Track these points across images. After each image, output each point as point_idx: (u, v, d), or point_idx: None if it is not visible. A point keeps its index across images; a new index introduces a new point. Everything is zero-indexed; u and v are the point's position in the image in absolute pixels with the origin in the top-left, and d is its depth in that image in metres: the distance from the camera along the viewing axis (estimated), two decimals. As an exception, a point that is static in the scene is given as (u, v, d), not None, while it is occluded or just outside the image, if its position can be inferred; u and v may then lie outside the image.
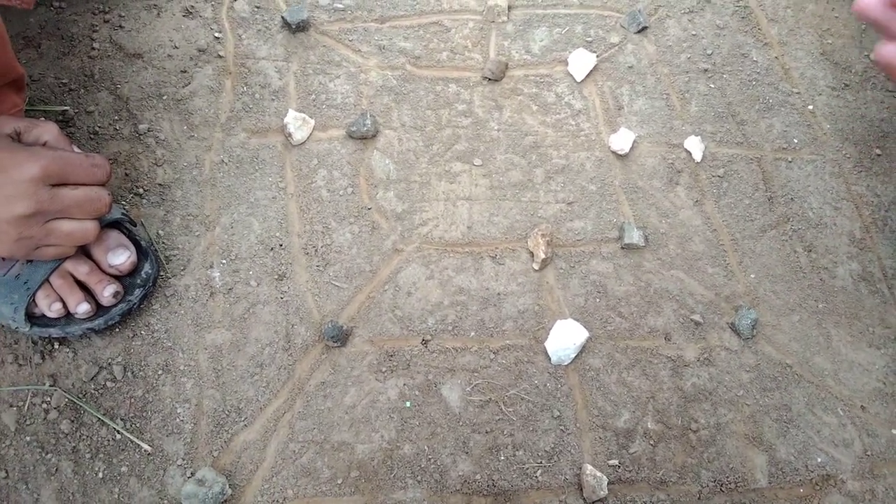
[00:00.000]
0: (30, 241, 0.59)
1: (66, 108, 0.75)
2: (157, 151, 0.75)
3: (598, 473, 0.65)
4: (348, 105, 0.80)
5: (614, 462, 0.67)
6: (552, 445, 0.67)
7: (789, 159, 0.82)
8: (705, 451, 0.68)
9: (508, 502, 0.65)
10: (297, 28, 0.82)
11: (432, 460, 0.66)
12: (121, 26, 0.80)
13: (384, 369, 0.69)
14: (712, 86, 0.85)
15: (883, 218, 0.80)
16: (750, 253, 0.77)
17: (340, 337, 0.69)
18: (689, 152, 0.81)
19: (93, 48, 0.78)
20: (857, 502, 0.67)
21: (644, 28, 0.87)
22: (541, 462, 0.66)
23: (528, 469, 0.66)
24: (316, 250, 0.73)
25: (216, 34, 0.81)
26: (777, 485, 0.67)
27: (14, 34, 0.77)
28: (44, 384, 0.66)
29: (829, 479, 0.68)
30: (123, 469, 0.64)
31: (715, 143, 0.82)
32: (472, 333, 0.71)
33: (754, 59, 0.87)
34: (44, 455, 0.64)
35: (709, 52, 0.87)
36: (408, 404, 0.68)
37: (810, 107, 0.85)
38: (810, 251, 0.77)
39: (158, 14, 0.81)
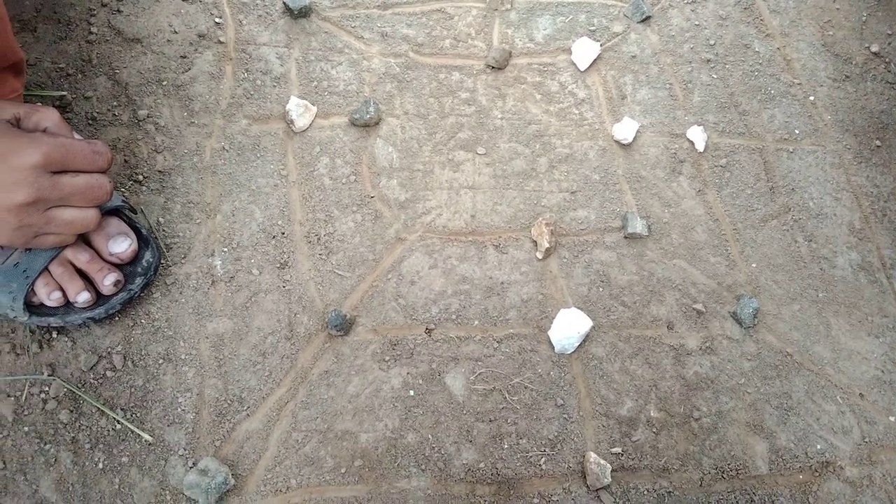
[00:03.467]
0: (29, 230, 0.58)
1: (63, 93, 0.74)
2: (156, 138, 0.74)
3: (602, 461, 0.65)
4: (351, 92, 0.79)
5: (617, 450, 0.67)
6: (556, 434, 0.67)
7: (791, 150, 0.82)
8: (707, 438, 0.68)
9: (512, 490, 0.65)
10: (299, 14, 0.81)
11: (436, 449, 0.66)
12: (119, 10, 0.78)
13: (388, 358, 0.69)
14: (715, 76, 0.85)
15: (882, 209, 0.81)
16: (751, 242, 0.77)
17: (344, 326, 0.68)
18: (691, 142, 0.81)
19: (90, 32, 0.77)
20: (856, 488, 0.68)
21: (647, 17, 0.86)
22: (544, 450, 0.66)
23: (531, 457, 0.66)
24: (318, 238, 0.73)
25: (216, 19, 0.80)
26: (777, 471, 0.68)
27: (9, 17, 0.75)
28: (42, 374, 0.65)
29: (828, 466, 0.69)
30: (124, 459, 0.63)
31: (717, 133, 0.82)
32: (476, 322, 0.71)
33: (756, 49, 0.87)
34: (42, 446, 0.63)
35: (711, 42, 0.87)
36: (411, 393, 0.68)
37: (811, 98, 0.85)
38: (811, 241, 0.78)
39: (156, -2, 0.80)
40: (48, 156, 0.56)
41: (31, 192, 0.56)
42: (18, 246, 0.61)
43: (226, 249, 0.71)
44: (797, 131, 0.83)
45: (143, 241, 0.68)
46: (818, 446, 0.69)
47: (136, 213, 0.70)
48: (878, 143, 0.84)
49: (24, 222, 0.57)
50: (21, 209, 0.57)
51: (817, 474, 0.68)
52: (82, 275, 0.65)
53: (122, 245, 0.66)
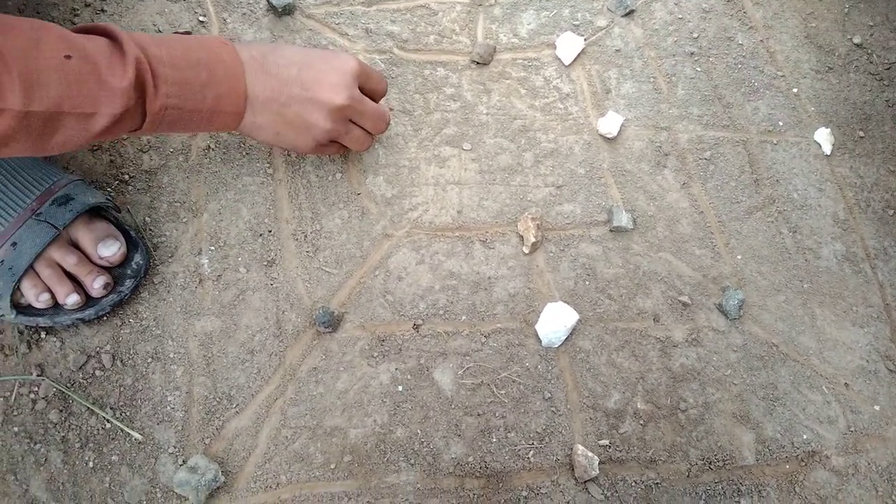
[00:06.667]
0: (330, 135, 0.66)
1: (47, 93, 0.74)
2: (142, 137, 0.74)
3: (590, 453, 0.66)
4: (336, 90, 0.79)
5: (605, 442, 0.67)
6: (543, 427, 0.68)
7: (775, 142, 0.83)
8: (694, 430, 0.69)
9: (501, 483, 0.65)
10: (283, 11, 0.81)
11: (425, 443, 0.66)
12: (103, 10, 0.78)
13: (376, 354, 0.69)
14: (699, 69, 0.85)
15: (866, 199, 0.81)
16: (736, 234, 0.78)
17: (332, 322, 0.68)
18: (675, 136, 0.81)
19: (74, 32, 0.77)
20: (841, 477, 0.69)
21: (631, 11, 0.87)
22: (532, 443, 0.67)
23: (520, 450, 0.67)
24: (305, 236, 0.73)
25: (201, 18, 0.80)
26: (764, 462, 0.68)
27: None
28: (31, 374, 0.65)
29: (814, 455, 0.69)
30: (114, 458, 0.64)
31: (702, 126, 0.82)
32: (464, 317, 0.71)
33: (740, 42, 0.87)
34: (32, 446, 0.63)
35: (695, 35, 0.87)
36: (400, 388, 0.68)
37: (795, 90, 0.86)
38: (795, 232, 0.78)
39: (140, -3, 0.80)
40: (361, 64, 0.65)
41: (347, 96, 0.63)
42: (307, 151, 0.68)
43: (213, 248, 0.71)
44: (781, 123, 0.84)
45: (132, 243, 0.68)
46: (804, 436, 0.70)
47: (119, 213, 0.70)
48: (861, 133, 0.84)
49: (332, 126, 0.65)
50: (335, 112, 0.64)
51: (803, 464, 0.69)
52: (71, 277, 0.65)
53: (111, 248, 0.66)
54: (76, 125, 0.51)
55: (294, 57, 0.63)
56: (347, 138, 0.68)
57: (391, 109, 0.79)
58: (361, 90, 0.66)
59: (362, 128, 0.68)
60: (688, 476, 0.67)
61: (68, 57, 0.49)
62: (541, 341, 0.70)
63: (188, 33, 0.63)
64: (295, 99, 0.62)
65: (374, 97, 0.69)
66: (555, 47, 0.84)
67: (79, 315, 0.65)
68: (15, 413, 0.64)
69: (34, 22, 0.50)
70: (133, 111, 0.54)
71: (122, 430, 0.64)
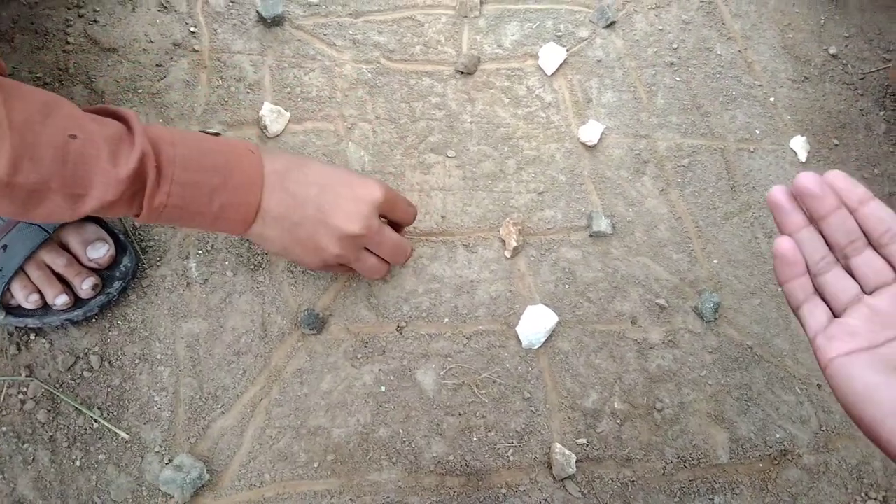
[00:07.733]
0: (337, 259, 0.64)
1: (40, 100, 0.75)
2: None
3: (567, 452, 0.67)
4: (323, 98, 0.81)
5: (582, 441, 0.69)
6: (523, 426, 0.69)
7: (751, 149, 0.85)
8: (669, 429, 0.70)
9: (480, 481, 0.67)
10: (272, 22, 0.83)
11: (407, 442, 0.68)
12: (95, 21, 0.80)
13: (360, 356, 0.71)
14: (678, 79, 0.87)
15: (840, 205, 0.83)
16: (713, 239, 0.80)
17: (316, 324, 0.70)
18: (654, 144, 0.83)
19: (67, 42, 0.79)
20: (813, 475, 0.70)
21: (612, 23, 0.89)
22: (512, 442, 0.68)
23: (499, 449, 0.68)
24: (291, 240, 0.74)
25: (191, 28, 0.82)
26: (738, 460, 0.70)
27: (-13, 28, 0.77)
28: (20, 374, 0.67)
29: (786, 454, 0.71)
30: (101, 457, 0.65)
31: (680, 134, 0.84)
32: (446, 320, 0.73)
33: (718, 52, 0.90)
34: (20, 445, 0.65)
35: (675, 46, 0.89)
36: (383, 389, 0.69)
37: (772, 99, 0.88)
38: (770, 237, 0.80)
39: (133, 8, 0.82)
40: (386, 195, 0.64)
41: (362, 227, 0.62)
42: (313, 269, 0.68)
43: (200, 252, 0.73)
44: (758, 131, 0.86)
45: (121, 246, 0.70)
46: (777, 435, 0.72)
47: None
48: (835, 141, 0.87)
49: (342, 252, 0.63)
50: (347, 240, 0.62)
51: (776, 462, 0.71)
52: (60, 278, 0.67)
53: (100, 251, 0.67)
54: (62, 202, 0.51)
55: (317, 176, 0.62)
56: (359, 265, 0.66)
57: (377, 118, 0.81)
58: (387, 218, 0.67)
59: (379, 256, 0.68)
60: (663, 474, 0.69)
61: (73, 136, 0.49)
62: (521, 343, 0.72)
63: (217, 134, 0.61)
64: (308, 219, 0.61)
65: (400, 225, 0.70)
66: (538, 58, 0.86)
67: (67, 316, 0.67)
68: (3, 413, 0.65)
69: (50, 96, 0.50)
70: (128, 201, 0.54)
71: (109, 430, 0.66)
